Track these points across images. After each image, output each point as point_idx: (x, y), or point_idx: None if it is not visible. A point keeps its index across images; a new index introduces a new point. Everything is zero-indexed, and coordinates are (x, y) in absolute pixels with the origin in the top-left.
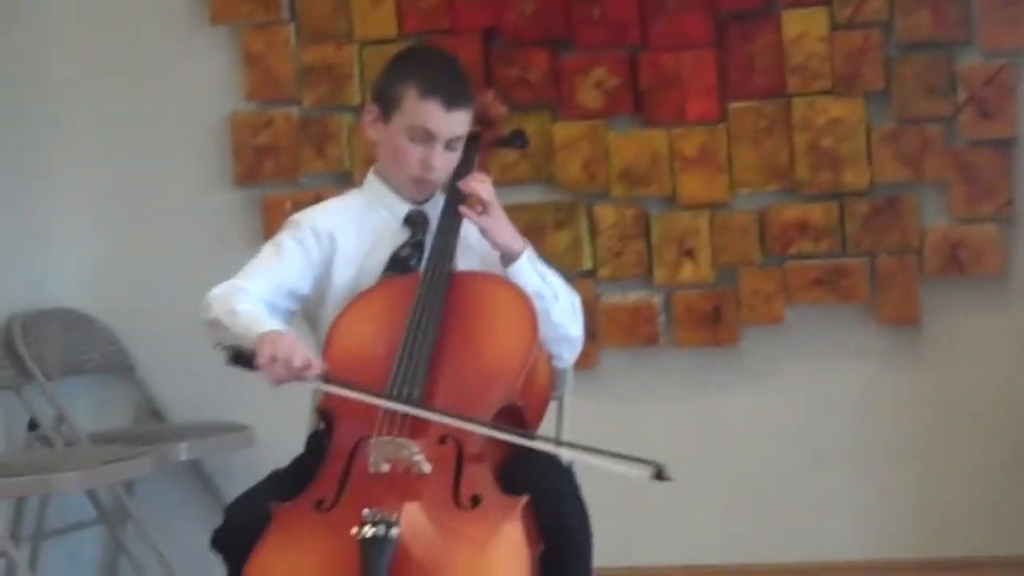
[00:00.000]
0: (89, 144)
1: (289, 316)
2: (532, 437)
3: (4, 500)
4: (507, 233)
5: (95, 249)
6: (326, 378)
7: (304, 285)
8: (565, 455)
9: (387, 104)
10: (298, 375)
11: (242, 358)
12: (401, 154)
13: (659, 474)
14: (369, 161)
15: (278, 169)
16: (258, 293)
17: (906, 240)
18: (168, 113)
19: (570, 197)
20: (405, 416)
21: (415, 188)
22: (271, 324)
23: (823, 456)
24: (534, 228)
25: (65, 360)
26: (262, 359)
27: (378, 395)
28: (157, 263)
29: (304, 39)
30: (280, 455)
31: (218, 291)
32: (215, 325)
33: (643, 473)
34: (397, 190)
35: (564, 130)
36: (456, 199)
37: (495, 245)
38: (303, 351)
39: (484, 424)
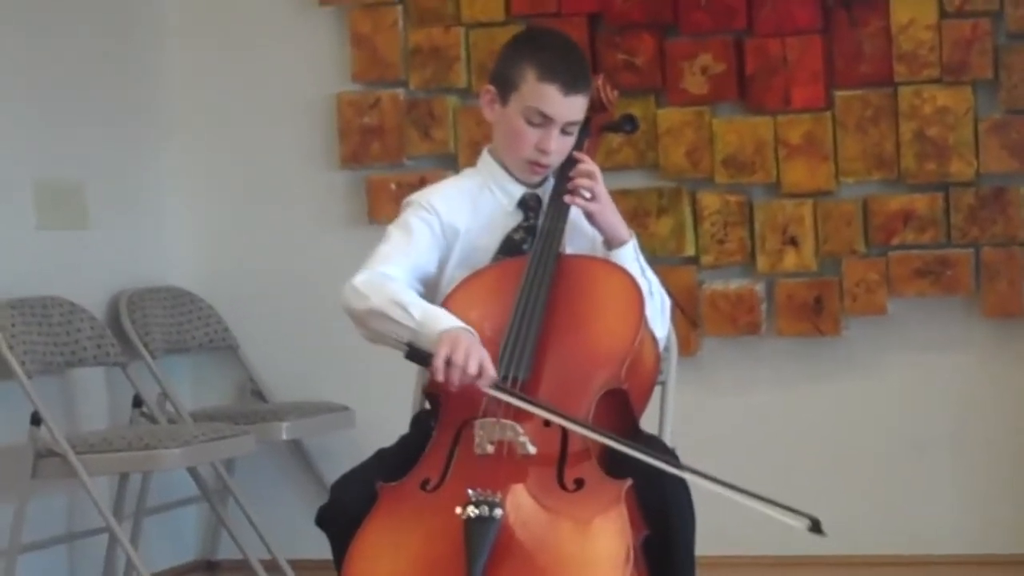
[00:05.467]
0: (198, 124)
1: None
2: (655, 455)
3: (108, 476)
4: (614, 219)
5: (201, 228)
6: (496, 387)
7: (432, 265)
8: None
9: (505, 86)
10: (470, 382)
11: (418, 355)
12: (517, 136)
13: (815, 528)
14: (474, 144)
15: (383, 151)
16: (403, 280)
17: (1012, 232)
18: (275, 93)
19: (674, 183)
20: None
21: (529, 171)
22: (448, 320)
23: (924, 448)
24: (638, 214)
25: (169, 338)
26: (437, 360)
27: (540, 406)
28: (262, 242)
29: (412, 21)
30: (381, 436)
31: (364, 279)
32: (372, 315)
33: (799, 525)
34: (511, 172)
35: (668, 116)
36: (565, 183)
37: (601, 230)
38: (478, 355)
39: (592, 428)
